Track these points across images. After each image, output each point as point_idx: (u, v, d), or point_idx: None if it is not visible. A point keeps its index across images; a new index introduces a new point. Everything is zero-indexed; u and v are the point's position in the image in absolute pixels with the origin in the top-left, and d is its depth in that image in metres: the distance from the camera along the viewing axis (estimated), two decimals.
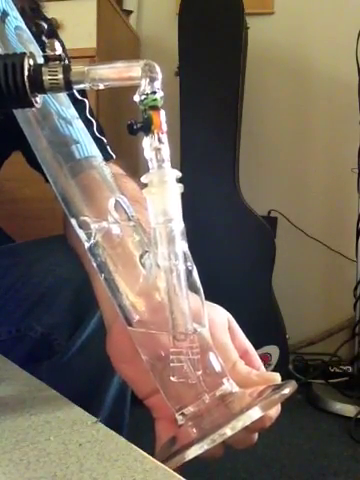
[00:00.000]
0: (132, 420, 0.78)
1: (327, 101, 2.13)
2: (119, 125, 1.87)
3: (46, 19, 0.73)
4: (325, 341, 2.12)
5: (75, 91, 0.47)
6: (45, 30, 0.52)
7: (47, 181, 0.79)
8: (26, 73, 0.37)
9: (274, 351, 1.82)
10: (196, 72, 1.84)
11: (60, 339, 0.68)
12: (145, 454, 0.35)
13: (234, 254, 1.84)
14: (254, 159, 2.14)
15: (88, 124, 0.51)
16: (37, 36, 0.50)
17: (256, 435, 0.43)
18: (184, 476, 0.33)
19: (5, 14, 0.49)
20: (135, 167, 1.98)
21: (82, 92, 0.50)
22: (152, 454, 0.35)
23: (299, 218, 2.13)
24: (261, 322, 1.79)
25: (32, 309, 0.68)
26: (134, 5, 2.19)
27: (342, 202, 2.12)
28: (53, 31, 0.65)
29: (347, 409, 1.67)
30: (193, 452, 0.36)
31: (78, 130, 0.49)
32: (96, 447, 0.35)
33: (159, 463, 0.33)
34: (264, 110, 2.17)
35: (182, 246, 0.41)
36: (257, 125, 2.15)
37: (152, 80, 0.40)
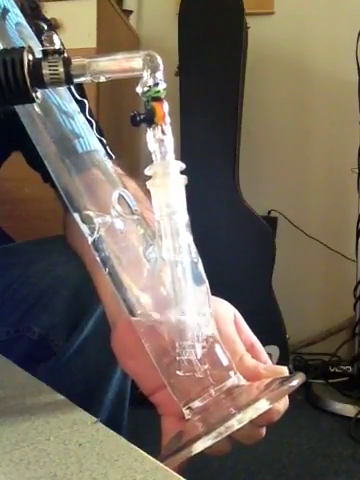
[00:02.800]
0: (132, 421, 0.78)
1: (327, 101, 2.13)
2: (120, 125, 1.87)
3: (45, 19, 0.73)
4: (325, 341, 2.12)
5: (75, 91, 0.47)
6: (44, 30, 0.52)
7: (45, 181, 0.79)
8: (26, 68, 0.37)
9: (274, 351, 1.82)
10: (196, 72, 1.84)
11: (58, 340, 0.68)
12: (145, 454, 0.35)
13: (234, 254, 1.84)
14: (254, 159, 2.14)
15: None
16: (36, 36, 0.50)
17: (264, 429, 0.42)
18: (184, 476, 0.33)
19: (6, 10, 0.48)
20: (136, 166, 1.98)
21: (81, 92, 0.50)
22: (152, 454, 0.35)
23: (299, 218, 2.13)
24: (261, 322, 1.79)
25: (30, 310, 0.68)
26: (134, 5, 2.19)
27: (342, 202, 2.12)
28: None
29: (347, 409, 1.67)
30: (200, 446, 0.35)
31: (80, 124, 0.49)
32: (96, 447, 0.35)
33: (159, 463, 0.33)
34: (264, 110, 2.17)
35: (187, 238, 0.41)
36: (257, 125, 2.15)
37: (154, 71, 0.39)
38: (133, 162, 2.02)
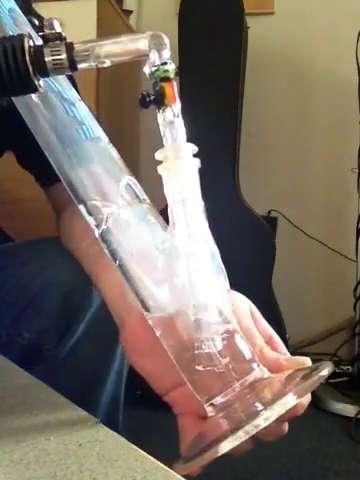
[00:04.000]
0: (132, 421, 0.78)
1: (327, 101, 2.13)
2: (120, 123, 1.87)
3: (37, 15, 0.72)
4: (325, 341, 2.12)
5: None
6: (37, 26, 0.51)
7: (37, 180, 0.79)
8: (28, 55, 0.35)
9: None
10: (196, 72, 1.84)
11: (49, 344, 0.66)
12: (145, 454, 0.35)
13: (234, 254, 1.84)
14: (254, 159, 2.14)
15: None
16: None
17: (286, 425, 0.40)
18: (184, 476, 0.33)
19: None
20: (135, 163, 1.98)
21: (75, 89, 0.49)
22: (152, 454, 0.35)
23: (299, 218, 2.13)
24: None
25: (21, 313, 0.67)
26: (134, 5, 2.18)
27: (342, 202, 2.12)
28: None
29: (347, 409, 1.67)
30: (226, 446, 0.33)
31: (82, 111, 0.47)
32: (96, 447, 0.35)
33: (159, 463, 0.33)
34: (264, 110, 2.17)
35: (202, 225, 0.39)
36: (257, 125, 2.14)
37: (161, 50, 0.38)
38: (132, 157, 2.02)
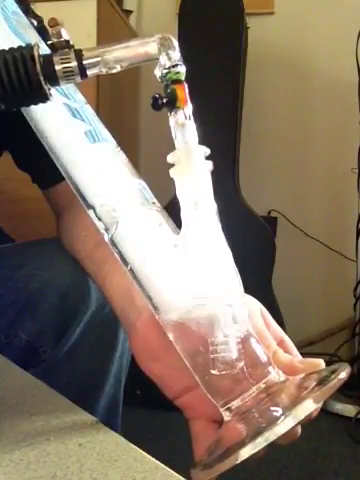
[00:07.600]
0: (132, 421, 0.78)
1: (327, 101, 2.13)
2: (120, 123, 1.87)
3: (35, 15, 0.71)
4: (325, 341, 2.12)
5: None
6: (35, 26, 0.50)
7: (35, 181, 0.78)
8: (38, 65, 0.34)
9: None
10: (196, 72, 1.84)
11: (46, 346, 0.66)
12: (145, 454, 0.35)
13: (234, 254, 1.84)
14: (254, 159, 2.14)
15: None
16: None
17: (300, 427, 0.40)
18: (184, 475, 0.33)
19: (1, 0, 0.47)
20: (135, 167, 1.97)
21: None
22: (152, 454, 0.35)
23: (299, 218, 2.13)
24: None
25: (18, 315, 0.66)
26: (134, 5, 2.19)
27: (342, 202, 2.12)
28: (43, 28, 0.62)
29: (347, 409, 1.67)
30: (246, 452, 0.33)
31: (89, 114, 0.46)
32: (96, 447, 0.35)
33: (159, 463, 0.33)
34: (264, 110, 2.17)
35: (216, 227, 0.39)
36: (257, 125, 2.14)
37: (170, 53, 0.38)
38: (132, 157, 2.02)
